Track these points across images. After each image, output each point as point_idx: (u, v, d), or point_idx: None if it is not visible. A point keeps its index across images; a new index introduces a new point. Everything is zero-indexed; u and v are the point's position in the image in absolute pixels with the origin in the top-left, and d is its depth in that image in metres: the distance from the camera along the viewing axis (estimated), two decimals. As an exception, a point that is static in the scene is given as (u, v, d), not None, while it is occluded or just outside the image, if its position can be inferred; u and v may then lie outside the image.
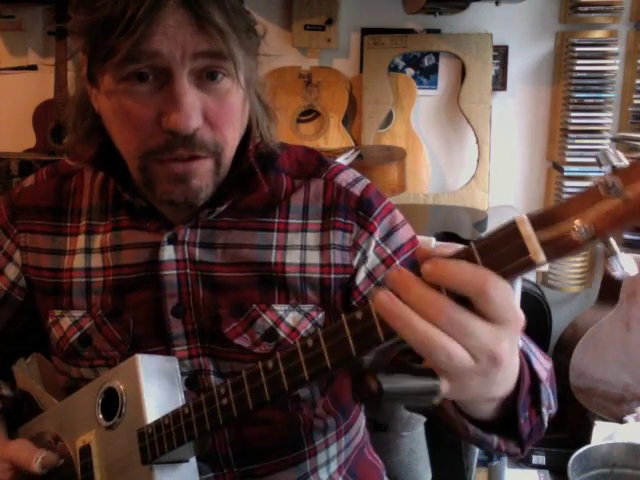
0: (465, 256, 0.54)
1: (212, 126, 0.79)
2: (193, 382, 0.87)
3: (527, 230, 0.51)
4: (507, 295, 0.53)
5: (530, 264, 0.51)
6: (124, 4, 0.72)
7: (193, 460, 0.81)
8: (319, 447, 0.94)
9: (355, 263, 0.89)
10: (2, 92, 2.49)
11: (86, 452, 0.83)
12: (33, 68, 2.47)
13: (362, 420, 1.05)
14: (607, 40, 2.23)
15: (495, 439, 0.72)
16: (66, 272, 0.91)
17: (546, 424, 0.75)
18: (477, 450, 1.27)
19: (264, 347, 0.87)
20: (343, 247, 0.88)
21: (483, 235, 0.55)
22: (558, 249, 0.51)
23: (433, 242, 1.28)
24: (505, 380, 0.61)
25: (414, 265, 0.86)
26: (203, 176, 0.81)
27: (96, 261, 0.91)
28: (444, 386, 0.57)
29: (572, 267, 2.39)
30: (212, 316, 0.87)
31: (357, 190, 0.90)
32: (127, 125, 0.79)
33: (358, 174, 0.94)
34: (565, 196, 2.28)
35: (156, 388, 0.80)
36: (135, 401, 0.79)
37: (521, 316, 0.55)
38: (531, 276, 2.44)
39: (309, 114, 2.38)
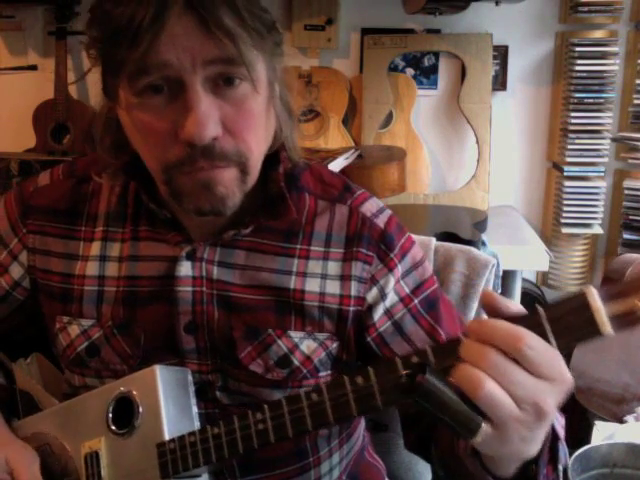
0: (532, 322, 0.59)
1: (232, 134, 0.75)
2: (201, 392, 0.86)
3: (596, 303, 0.56)
4: (547, 352, 0.58)
5: (597, 335, 0.56)
6: (130, 15, 0.69)
7: (206, 476, 0.81)
8: (323, 457, 0.93)
9: (369, 298, 0.88)
10: (2, 92, 2.49)
11: (93, 459, 0.81)
12: (33, 68, 2.47)
13: (362, 425, 1.05)
14: (607, 40, 2.23)
15: None
16: (78, 279, 0.89)
17: None
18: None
19: (277, 374, 0.86)
20: (360, 279, 0.87)
21: (550, 302, 0.61)
22: (625, 323, 0.56)
23: (433, 242, 1.28)
24: (541, 438, 0.64)
25: (432, 304, 0.91)
26: (228, 183, 0.77)
27: (111, 270, 0.88)
28: (486, 428, 0.60)
29: (572, 267, 2.39)
30: (226, 337, 0.86)
31: (381, 222, 0.89)
32: (146, 139, 0.77)
33: (381, 204, 0.92)
34: (565, 196, 2.28)
35: (173, 401, 0.80)
36: (152, 413, 0.78)
37: (568, 377, 0.59)
38: (531, 276, 2.44)
39: (309, 114, 2.38)
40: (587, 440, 1.37)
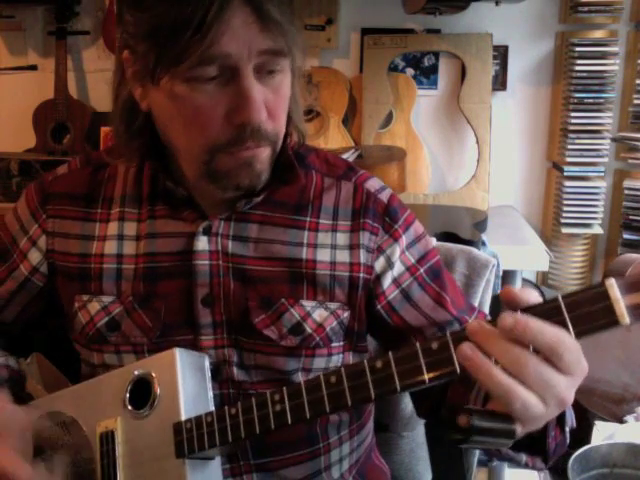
0: (551, 309, 0.60)
1: (272, 117, 0.82)
2: (216, 372, 0.89)
3: (616, 293, 0.58)
4: (578, 352, 0.61)
5: (615, 325, 0.58)
6: (192, 6, 0.73)
7: (218, 459, 0.83)
8: (333, 444, 0.95)
9: (377, 267, 0.92)
10: (2, 92, 2.49)
11: (109, 438, 0.83)
12: (33, 68, 2.47)
13: (372, 423, 1.07)
14: (607, 40, 2.23)
15: (524, 457, 0.77)
16: (95, 257, 0.92)
17: (568, 441, 0.79)
18: (477, 450, 1.27)
19: (290, 340, 0.89)
20: (368, 248, 0.91)
21: (570, 291, 0.61)
22: None
23: (433, 242, 1.28)
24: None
25: (436, 273, 0.95)
26: (264, 161, 0.84)
27: (129, 248, 0.92)
28: (519, 429, 0.62)
29: (572, 267, 2.39)
30: (241, 308, 0.89)
31: (384, 197, 0.94)
32: (195, 123, 0.81)
33: (382, 182, 0.98)
34: (565, 196, 2.28)
35: (191, 384, 0.82)
36: (170, 394, 0.80)
37: (586, 367, 0.63)
38: (531, 276, 2.44)
39: (309, 114, 2.38)
40: (587, 440, 1.37)
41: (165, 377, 0.81)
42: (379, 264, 0.92)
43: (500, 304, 0.65)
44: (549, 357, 0.60)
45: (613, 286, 0.58)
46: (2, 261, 0.98)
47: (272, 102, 0.81)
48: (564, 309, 0.60)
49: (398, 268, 0.93)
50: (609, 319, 0.58)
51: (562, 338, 0.59)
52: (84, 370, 0.97)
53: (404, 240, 0.93)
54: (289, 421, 0.72)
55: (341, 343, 0.93)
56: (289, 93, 0.84)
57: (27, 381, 1.00)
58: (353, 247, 0.91)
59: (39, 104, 2.39)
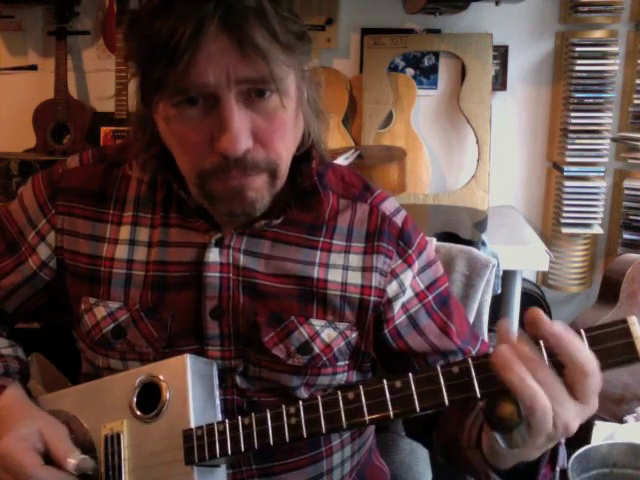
0: None
1: (264, 145, 0.79)
2: (221, 379, 0.88)
3: (638, 331, 0.62)
4: (599, 383, 0.64)
5: (635, 361, 0.62)
6: (168, 33, 0.72)
7: (224, 466, 0.83)
8: (335, 447, 0.95)
9: (389, 291, 0.92)
10: (2, 92, 2.48)
11: (114, 441, 0.83)
12: (33, 68, 2.47)
13: (372, 425, 1.06)
14: (607, 40, 2.23)
15: None
16: (105, 261, 0.91)
17: None
18: (477, 450, 1.27)
19: (298, 360, 0.89)
20: (382, 271, 0.91)
21: (591, 326, 0.66)
22: None
23: (434, 242, 1.28)
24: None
25: (444, 301, 0.96)
26: (259, 188, 0.81)
27: (140, 254, 0.91)
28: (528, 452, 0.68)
29: (572, 267, 2.39)
30: (249, 322, 0.88)
31: (399, 220, 0.94)
32: (182, 148, 0.81)
33: (397, 203, 0.97)
34: (565, 196, 2.28)
35: (200, 391, 0.82)
36: (180, 399, 0.80)
37: (596, 406, 0.65)
38: (531, 276, 2.44)
39: (309, 114, 2.37)
40: (587, 440, 1.37)
41: (175, 383, 0.81)
42: (391, 288, 0.92)
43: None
44: (571, 376, 0.63)
45: (635, 324, 0.62)
46: (9, 253, 0.97)
47: (263, 128, 0.78)
48: (586, 341, 0.64)
49: (408, 294, 0.93)
50: (630, 355, 0.62)
51: (593, 366, 0.63)
52: (86, 369, 0.97)
53: (416, 265, 0.93)
54: (304, 434, 0.73)
55: (346, 362, 0.92)
56: (290, 115, 0.80)
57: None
58: (366, 269, 0.90)
59: (39, 104, 2.39)
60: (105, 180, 0.94)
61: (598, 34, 2.27)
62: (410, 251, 0.92)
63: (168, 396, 0.81)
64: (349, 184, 0.95)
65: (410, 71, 2.39)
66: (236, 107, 0.75)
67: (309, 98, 0.85)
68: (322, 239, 0.90)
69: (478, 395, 0.66)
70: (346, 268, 0.90)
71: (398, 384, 0.69)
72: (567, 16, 2.28)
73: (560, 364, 0.64)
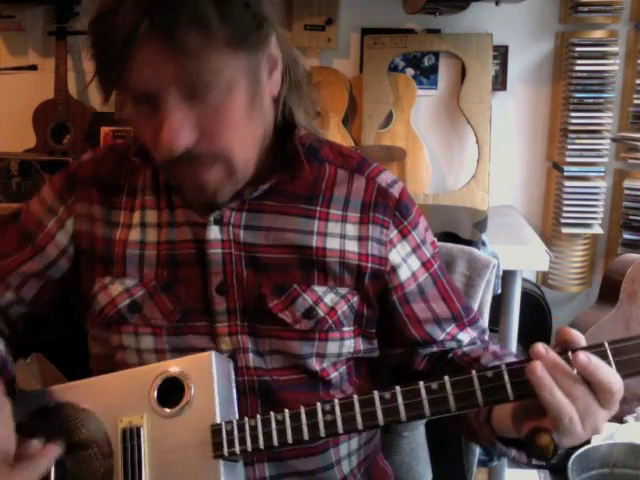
0: (598, 353, 0.71)
1: (210, 136, 0.81)
2: (232, 360, 0.90)
3: None
4: (622, 394, 0.71)
5: None
6: (106, 38, 0.76)
7: (242, 461, 0.84)
8: (342, 437, 0.96)
9: (391, 259, 0.95)
10: (2, 92, 2.49)
11: (133, 434, 0.83)
12: (33, 68, 2.47)
13: None
14: (607, 40, 2.23)
15: (513, 452, 0.84)
16: (119, 242, 0.95)
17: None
18: (478, 450, 1.27)
19: (304, 324, 0.91)
20: (380, 241, 0.94)
21: (616, 339, 0.72)
22: None
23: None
24: None
25: (444, 271, 1.01)
26: (215, 180, 0.85)
27: (151, 235, 0.94)
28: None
29: (572, 267, 2.39)
30: (255, 294, 0.91)
31: (395, 192, 0.96)
32: (143, 140, 0.85)
33: (394, 176, 0.99)
34: (565, 196, 2.28)
35: (223, 386, 0.83)
36: (205, 395, 0.81)
37: (618, 405, 0.73)
38: (531, 276, 2.44)
39: (309, 114, 2.37)
40: (587, 440, 1.38)
41: (200, 378, 0.82)
42: (393, 256, 0.95)
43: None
44: (598, 393, 0.70)
45: None
46: (27, 241, 0.99)
47: (209, 120, 0.80)
48: (609, 354, 0.70)
49: (414, 263, 0.97)
50: None
51: (618, 383, 0.70)
52: (98, 350, 0.98)
53: (415, 236, 0.97)
54: (340, 430, 0.77)
55: (352, 327, 0.95)
56: (240, 105, 0.82)
57: (17, 380, 0.98)
58: (362, 239, 0.93)
59: (39, 104, 2.39)
60: (117, 171, 0.98)
61: (598, 34, 2.27)
62: (406, 222, 0.96)
63: (193, 391, 0.82)
64: (347, 156, 0.98)
65: (410, 71, 2.39)
66: (175, 105, 0.78)
67: (291, 78, 0.90)
68: (319, 208, 0.93)
69: (511, 398, 0.73)
70: (343, 237, 0.93)
71: (434, 386, 0.74)
72: (567, 16, 2.28)
73: None
